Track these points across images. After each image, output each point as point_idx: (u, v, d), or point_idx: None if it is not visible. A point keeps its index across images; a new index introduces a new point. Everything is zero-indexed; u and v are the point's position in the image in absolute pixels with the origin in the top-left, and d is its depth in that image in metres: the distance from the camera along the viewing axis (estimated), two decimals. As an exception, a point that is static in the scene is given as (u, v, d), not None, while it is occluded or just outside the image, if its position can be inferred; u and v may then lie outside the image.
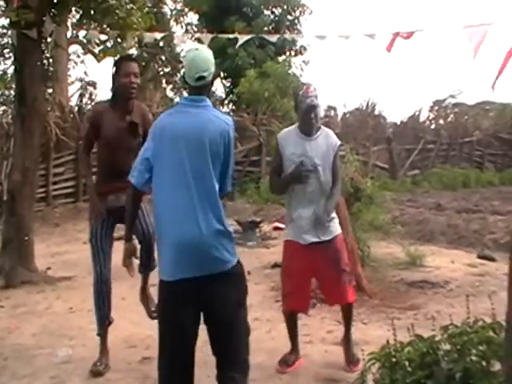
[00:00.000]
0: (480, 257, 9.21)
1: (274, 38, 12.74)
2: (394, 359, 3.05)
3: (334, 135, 5.14)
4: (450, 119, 24.71)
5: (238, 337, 3.86)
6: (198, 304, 3.67)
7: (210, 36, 10.35)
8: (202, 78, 3.72)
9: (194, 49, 3.83)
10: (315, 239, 4.93)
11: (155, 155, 3.70)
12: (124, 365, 5.18)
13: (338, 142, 5.08)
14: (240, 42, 9.78)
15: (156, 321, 4.86)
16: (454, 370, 2.79)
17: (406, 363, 3.01)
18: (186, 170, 3.63)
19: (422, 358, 2.94)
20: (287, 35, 17.48)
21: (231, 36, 12.39)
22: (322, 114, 5.27)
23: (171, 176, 3.66)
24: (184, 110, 3.77)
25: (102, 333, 5.17)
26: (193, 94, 3.79)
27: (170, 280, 3.64)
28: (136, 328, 6.03)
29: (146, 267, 5.34)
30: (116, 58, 5.49)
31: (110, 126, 5.09)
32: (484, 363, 2.81)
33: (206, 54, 3.78)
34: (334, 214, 5.07)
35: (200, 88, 3.77)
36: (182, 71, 3.94)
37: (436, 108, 25.11)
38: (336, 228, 5.07)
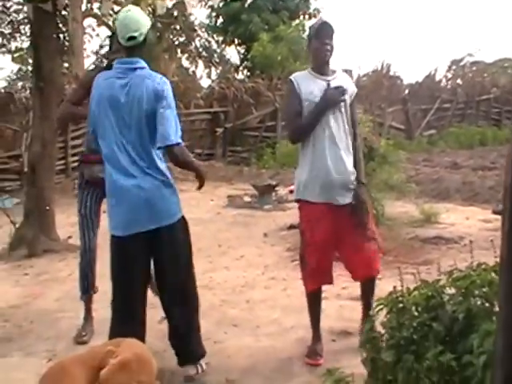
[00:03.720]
0: (495, 212, 9.23)
1: None
2: (400, 304, 3.16)
3: (352, 81, 4.80)
4: (467, 78, 24.47)
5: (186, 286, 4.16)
6: (148, 254, 3.99)
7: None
8: (132, 38, 3.85)
9: (126, 10, 3.95)
10: (341, 201, 4.44)
11: (96, 117, 3.94)
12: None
13: (356, 90, 4.69)
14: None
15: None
16: (457, 312, 2.90)
17: (413, 307, 3.11)
18: (124, 130, 3.86)
19: (428, 302, 3.05)
20: None
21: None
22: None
23: (112, 136, 3.89)
24: (119, 73, 3.91)
25: (87, 300, 5.34)
26: (126, 55, 3.93)
27: (120, 235, 3.95)
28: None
29: None
30: None
31: None
32: (487, 304, 2.91)
33: (138, 15, 3.91)
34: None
35: (132, 49, 3.91)
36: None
37: (454, 67, 24.90)
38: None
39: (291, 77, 4.67)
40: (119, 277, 4.04)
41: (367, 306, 4.61)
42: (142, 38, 3.88)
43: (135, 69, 3.90)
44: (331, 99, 4.43)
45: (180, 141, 3.85)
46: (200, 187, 4.13)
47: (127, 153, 3.88)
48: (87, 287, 5.31)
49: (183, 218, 4.06)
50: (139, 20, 3.88)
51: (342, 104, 4.49)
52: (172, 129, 3.81)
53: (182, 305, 4.12)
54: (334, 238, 4.49)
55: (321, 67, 4.57)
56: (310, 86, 4.50)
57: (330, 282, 4.70)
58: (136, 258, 3.94)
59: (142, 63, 3.94)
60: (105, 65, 5.21)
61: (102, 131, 3.94)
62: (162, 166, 3.97)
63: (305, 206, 4.59)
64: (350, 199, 4.47)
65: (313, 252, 4.53)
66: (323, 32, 4.47)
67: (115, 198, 3.95)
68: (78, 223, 5.29)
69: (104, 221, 4.89)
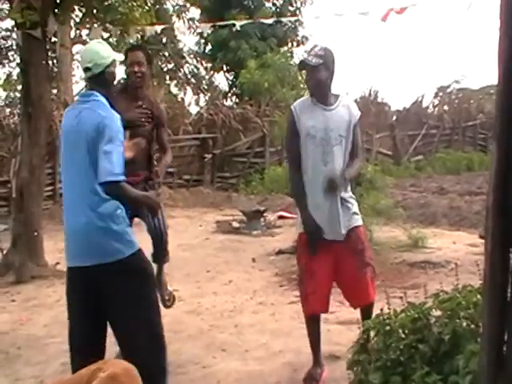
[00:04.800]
0: (481, 237, 9.27)
1: (270, 21, 13.09)
2: (387, 327, 3.19)
3: (355, 105, 4.60)
4: (453, 104, 24.75)
5: (134, 336, 3.81)
6: (90, 291, 3.81)
7: (209, 25, 10.55)
8: (87, 69, 3.83)
9: (91, 43, 4.01)
10: (334, 238, 4.38)
11: (61, 149, 3.92)
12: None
13: (359, 113, 4.52)
14: (237, 26, 9.91)
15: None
16: (443, 333, 2.93)
17: (400, 330, 3.14)
18: (72, 165, 3.80)
19: (414, 324, 3.09)
20: (284, 19, 17.73)
21: (229, 23, 12.64)
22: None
23: (64, 170, 3.88)
24: (74, 106, 3.93)
25: None
26: (87, 88, 3.96)
27: (68, 266, 3.91)
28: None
29: (159, 260, 5.36)
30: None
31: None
32: (472, 326, 2.95)
33: (97, 47, 3.89)
34: (353, 201, 4.57)
35: (89, 81, 3.90)
36: None
37: (440, 94, 25.19)
38: (358, 218, 4.54)
39: (292, 106, 4.57)
40: (68, 308, 4.01)
41: None
42: (97, 70, 3.81)
43: (88, 101, 3.81)
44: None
45: (115, 178, 3.57)
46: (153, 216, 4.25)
47: (74, 189, 3.79)
48: None
49: (129, 259, 3.78)
50: (97, 52, 3.83)
51: (344, 138, 4.38)
52: (108, 166, 3.58)
53: (131, 351, 3.77)
54: (331, 267, 4.44)
55: (316, 96, 4.46)
56: (310, 118, 4.39)
57: (325, 310, 4.63)
58: (77, 291, 3.87)
59: (97, 96, 3.81)
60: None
61: (61, 164, 3.93)
62: (107, 208, 3.73)
63: (302, 235, 4.53)
64: (345, 231, 4.41)
65: (309, 277, 4.45)
66: (303, 70, 4.49)
67: (66, 231, 3.92)
68: None
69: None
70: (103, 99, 3.80)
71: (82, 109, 3.79)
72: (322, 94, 4.43)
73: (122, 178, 3.60)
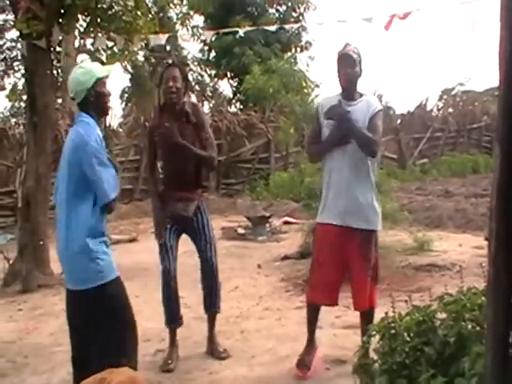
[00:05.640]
0: (487, 239, 9.22)
1: (273, 27, 13.16)
2: (393, 330, 3.18)
3: (377, 99, 4.86)
4: (458, 107, 24.73)
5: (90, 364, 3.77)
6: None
7: (212, 33, 10.61)
8: (72, 98, 3.93)
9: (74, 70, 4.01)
10: (349, 224, 4.55)
11: None
12: (140, 357, 5.30)
13: (379, 107, 4.73)
14: (241, 32, 9.96)
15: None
16: (448, 336, 2.93)
17: (405, 333, 3.14)
18: (60, 189, 3.86)
19: (419, 327, 3.08)
20: (287, 26, 17.82)
21: (232, 29, 12.71)
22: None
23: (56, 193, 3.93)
24: (72, 127, 3.97)
25: (171, 331, 5.31)
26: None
27: None
28: (150, 323, 6.17)
29: (214, 308, 5.43)
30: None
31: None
32: (478, 328, 2.94)
33: (74, 74, 3.92)
34: (377, 208, 4.73)
35: (78, 106, 3.92)
36: None
37: (445, 96, 25.16)
38: (376, 222, 4.72)
39: (318, 101, 4.97)
40: None
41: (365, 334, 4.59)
42: (80, 98, 3.86)
43: (77, 122, 3.87)
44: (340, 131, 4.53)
45: (107, 201, 3.79)
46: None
47: (60, 212, 3.85)
48: (171, 318, 5.30)
49: (103, 287, 3.79)
50: (76, 79, 3.85)
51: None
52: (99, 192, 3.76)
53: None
54: (340, 260, 4.60)
55: (344, 92, 4.69)
56: None
57: (330, 302, 4.78)
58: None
59: (82, 117, 3.86)
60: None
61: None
62: (83, 232, 3.74)
63: (318, 226, 4.83)
64: (362, 224, 4.58)
65: (318, 265, 4.69)
66: (342, 61, 4.62)
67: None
68: (159, 254, 5.24)
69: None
70: (88, 119, 3.83)
71: (72, 132, 3.89)
72: (351, 88, 4.68)
73: (112, 196, 3.79)
